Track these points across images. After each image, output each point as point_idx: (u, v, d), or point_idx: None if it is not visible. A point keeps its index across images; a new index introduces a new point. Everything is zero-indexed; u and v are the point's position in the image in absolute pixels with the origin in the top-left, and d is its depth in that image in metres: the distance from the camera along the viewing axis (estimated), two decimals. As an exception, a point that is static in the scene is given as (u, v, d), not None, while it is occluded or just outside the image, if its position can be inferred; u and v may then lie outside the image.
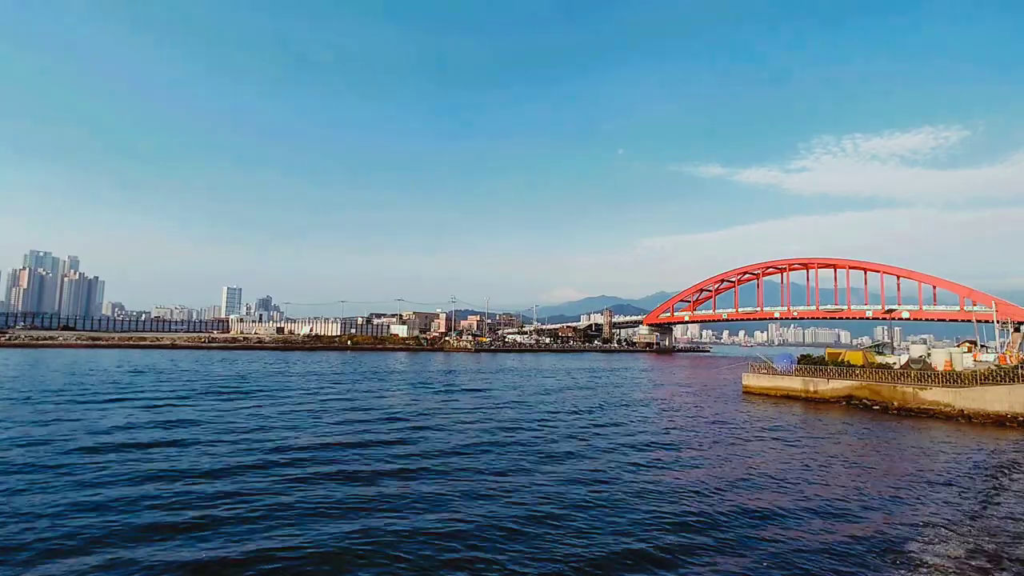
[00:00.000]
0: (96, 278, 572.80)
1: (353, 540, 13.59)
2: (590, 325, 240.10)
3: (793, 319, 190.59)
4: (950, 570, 12.53)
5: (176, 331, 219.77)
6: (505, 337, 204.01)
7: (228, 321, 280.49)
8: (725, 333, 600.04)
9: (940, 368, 44.40)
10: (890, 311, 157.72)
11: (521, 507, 16.37)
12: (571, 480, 19.58)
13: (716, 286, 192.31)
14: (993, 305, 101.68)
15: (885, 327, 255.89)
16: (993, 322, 64.38)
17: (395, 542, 13.52)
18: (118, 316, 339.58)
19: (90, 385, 46.55)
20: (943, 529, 15.24)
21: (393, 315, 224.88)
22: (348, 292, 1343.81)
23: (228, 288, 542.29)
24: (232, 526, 14.31)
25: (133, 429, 27.46)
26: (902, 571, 12.53)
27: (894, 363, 49.81)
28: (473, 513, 15.77)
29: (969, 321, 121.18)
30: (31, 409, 32.87)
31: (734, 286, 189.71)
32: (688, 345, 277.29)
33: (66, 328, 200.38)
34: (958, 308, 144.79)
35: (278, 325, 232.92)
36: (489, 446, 25.23)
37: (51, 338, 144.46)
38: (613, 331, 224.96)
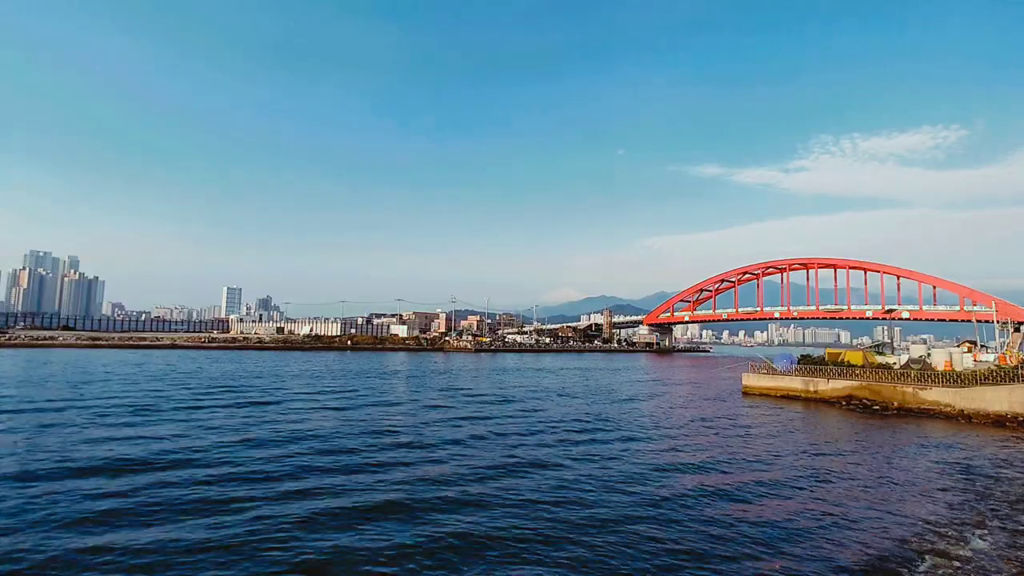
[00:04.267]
0: (96, 278, 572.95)
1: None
2: (590, 325, 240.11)
3: (793, 319, 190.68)
4: (949, 569, 12.52)
5: (176, 331, 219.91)
6: (505, 337, 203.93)
7: (228, 321, 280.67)
8: (725, 333, 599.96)
9: (940, 368, 44.36)
10: (890, 311, 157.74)
11: (515, 518, 16.36)
12: (573, 480, 19.58)
13: (716, 286, 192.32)
14: (993, 305, 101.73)
15: (885, 327, 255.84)
16: (993, 322, 64.42)
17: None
18: (118, 316, 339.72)
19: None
20: (943, 529, 15.22)
21: (393, 315, 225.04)
22: (348, 292, 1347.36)
23: (228, 288, 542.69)
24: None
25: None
26: (903, 572, 12.51)
27: (894, 363, 49.75)
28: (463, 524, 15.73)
29: (969, 321, 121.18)
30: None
31: (734, 286, 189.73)
32: (688, 345, 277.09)
33: (66, 328, 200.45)
34: (958, 308, 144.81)
35: (278, 325, 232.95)
36: (484, 447, 25.22)
37: (51, 338, 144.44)
38: (613, 331, 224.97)
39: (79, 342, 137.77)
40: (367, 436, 26.84)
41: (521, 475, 19.97)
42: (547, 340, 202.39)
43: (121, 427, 27.53)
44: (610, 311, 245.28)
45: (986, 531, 15.12)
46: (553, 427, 31.16)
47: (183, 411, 33.50)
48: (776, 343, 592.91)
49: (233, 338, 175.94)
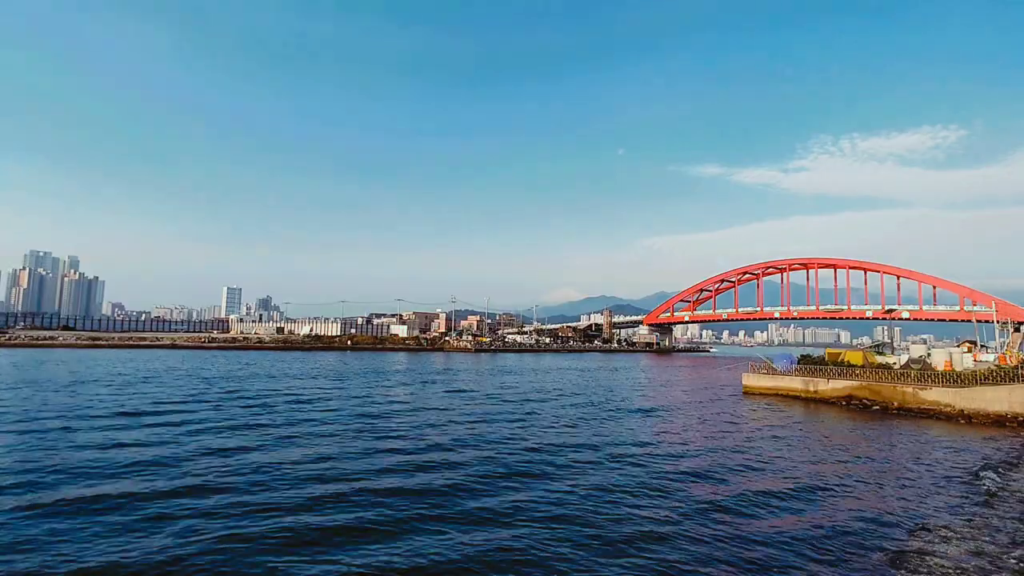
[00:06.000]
0: (96, 278, 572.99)
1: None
2: (590, 325, 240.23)
3: (793, 319, 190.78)
4: (950, 570, 12.50)
5: (176, 331, 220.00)
6: (505, 337, 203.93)
7: (228, 321, 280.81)
8: (725, 333, 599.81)
9: (940, 368, 44.34)
10: (890, 311, 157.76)
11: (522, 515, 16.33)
12: (576, 482, 19.56)
13: (716, 286, 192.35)
14: (993, 305, 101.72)
15: (885, 327, 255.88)
16: (993, 322, 64.43)
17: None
18: (118, 316, 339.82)
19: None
20: (943, 529, 15.19)
21: (393, 315, 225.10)
22: (348, 292, 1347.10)
23: (228, 288, 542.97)
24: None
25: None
26: (902, 572, 12.49)
27: (894, 363, 49.75)
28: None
29: (969, 321, 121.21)
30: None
31: (734, 286, 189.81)
32: (688, 345, 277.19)
33: (66, 328, 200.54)
34: (958, 308, 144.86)
35: (278, 325, 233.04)
36: (478, 447, 25.19)
37: (51, 338, 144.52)
38: (613, 331, 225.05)
39: (79, 342, 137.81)
40: (366, 447, 26.76)
41: (525, 489, 19.26)
42: (547, 340, 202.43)
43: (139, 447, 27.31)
44: (610, 311, 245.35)
45: (986, 531, 15.10)
46: (553, 430, 31.11)
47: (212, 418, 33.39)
48: (776, 343, 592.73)
49: (233, 338, 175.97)
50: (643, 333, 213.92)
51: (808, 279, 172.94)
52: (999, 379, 36.83)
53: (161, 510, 15.09)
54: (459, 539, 13.72)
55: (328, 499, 16.43)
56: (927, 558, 13.17)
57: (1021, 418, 33.97)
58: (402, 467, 20.70)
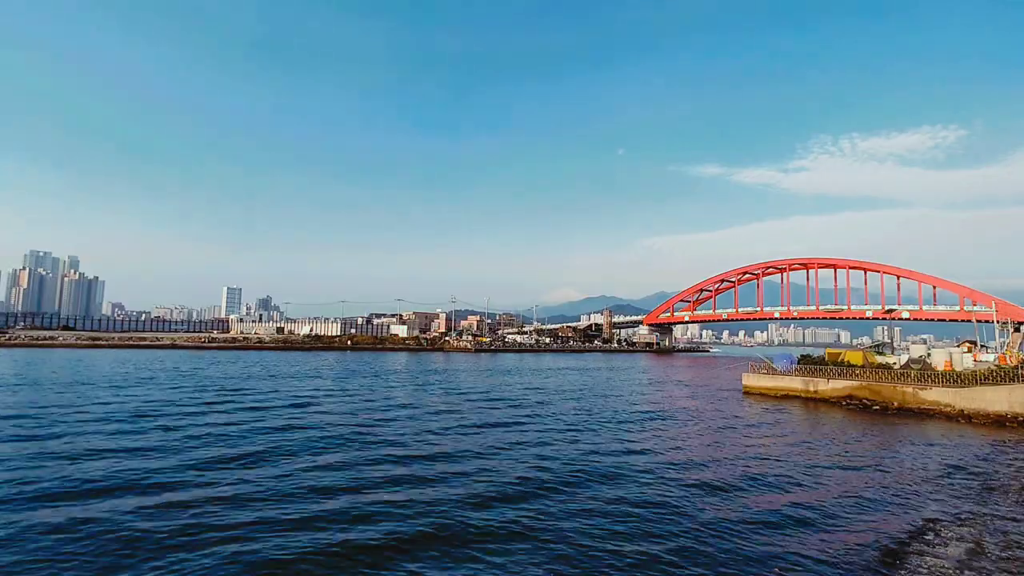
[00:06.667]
0: (96, 278, 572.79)
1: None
2: (590, 325, 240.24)
3: (793, 319, 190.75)
4: (950, 570, 12.52)
5: (176, 331, 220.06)
6: (505, 337, 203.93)
7: (228, 321, 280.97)
8: (725, 333, 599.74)
9: (940, 368, 44.37)
10: (890, 311, 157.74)
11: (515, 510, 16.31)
12: (578, 492, 19.54)
13: (716, 286, 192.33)
14: (993, 305, 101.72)
15: (885, 327, 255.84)
16: (993, 322, 64.43)
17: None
18: (118, 316, 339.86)
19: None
20: (943, 529, 15.22)
21: (393, 315, 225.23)
22: (348, 292, 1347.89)
23: (228, 288, 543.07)
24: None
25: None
26: (902, 572, 12.51)
27: (894, 363, 49.75)
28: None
29: (969, 321, 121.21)
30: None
31: (734, 286, 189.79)
32: (688, 345, 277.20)
33: (66, 328, 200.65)
34: (958, 308, 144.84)
35: (278, 325, 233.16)
36: (476, 452, 25.18)
37: (51, 338, 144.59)
38: (613, 331, 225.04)
39: (79, 342, 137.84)
40: (367, 454, 26.73)
41: (527, 500, 18.65)
42: (547, 340, 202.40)
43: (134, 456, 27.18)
44: (610, 311, 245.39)
45: (986, 531, 15.12)
46: (554, 434, 31.10)
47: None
48: (776, 343, 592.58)
49: (233, 338, 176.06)
50: (643, 333, 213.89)
51: (808, 279, 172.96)
52: (999, 379, 36.85)
53: (163, 522, 14.55)
54: (463, 550, 13.60)
55: (332, 513, 15.62)
56: (927, 558, 13.19)
57: (1021, 418, 33.99)
58: (404, 477, 19.97)
